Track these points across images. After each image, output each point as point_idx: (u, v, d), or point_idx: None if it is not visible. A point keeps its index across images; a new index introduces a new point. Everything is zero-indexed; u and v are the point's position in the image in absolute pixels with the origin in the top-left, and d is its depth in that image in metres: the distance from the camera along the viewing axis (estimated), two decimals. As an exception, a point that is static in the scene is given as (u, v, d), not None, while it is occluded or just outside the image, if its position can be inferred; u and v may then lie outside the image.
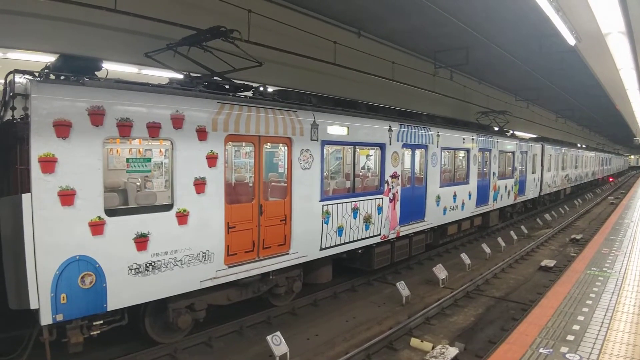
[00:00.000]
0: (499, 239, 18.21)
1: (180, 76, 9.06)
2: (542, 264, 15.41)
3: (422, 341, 8.93)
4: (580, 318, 7.48)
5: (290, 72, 14.23)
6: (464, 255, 15.14)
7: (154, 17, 9.70)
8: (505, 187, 21.62)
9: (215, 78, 9.42)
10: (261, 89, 10.07)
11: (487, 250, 16.61)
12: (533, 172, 25.68)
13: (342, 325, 10.07)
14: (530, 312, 7.89)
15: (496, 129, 22.64)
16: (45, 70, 7.00)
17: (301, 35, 13.43)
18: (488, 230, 21.13)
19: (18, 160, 7.05)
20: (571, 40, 11.51)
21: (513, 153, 22.31)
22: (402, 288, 11.58)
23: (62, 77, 6.85)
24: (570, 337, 6.67)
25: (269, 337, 8.15)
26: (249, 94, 9.76)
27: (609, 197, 40.13)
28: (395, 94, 18.77)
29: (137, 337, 8.45)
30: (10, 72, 6.96)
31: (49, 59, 8.51)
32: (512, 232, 19.87)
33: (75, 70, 7.02)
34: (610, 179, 63.48)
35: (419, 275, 14.08)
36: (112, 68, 8.37)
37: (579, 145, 42.66)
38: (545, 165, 27.89)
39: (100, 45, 10.03)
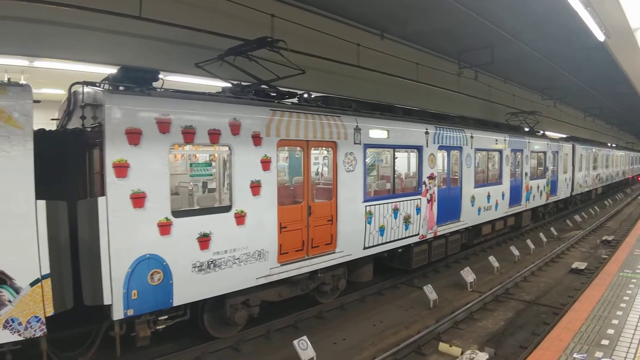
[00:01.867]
0: (528, 241, 17.89)
1: (227, 84, 9.71)
2: (573, 266, 15.08)
3: (450, 346, 8.80)
4: (615, 322, 7.29)
5: (314, 75, 14.19)
6: (492, 258, 14.92)
7: (180, 24, 9.80)
8: (538, 187, 21.70)
9: (262, 86, 9.93)
10: (305, 95, 10.70)
11: (516, 252, 16.33)
12: (564, 172, 25.68)
13: (369, 329, 9.99)
14: (564, 317, 7.72)
15: (526, 129, 22.64)
16: (106, 81, 7.53)
17: (324, 38, 13.40)
18: (519, 231, 21.00)
19: (88, 166, 7.51)
20: (600, 36, 11.28)
21: (544, 153, 22.46)
22: (430, 292, 11.45)
23: (135, 89, 7.42)
24: (604, 342, 6.49)
25: (295, 342, 8.14)
26: (291, 100, 10.30)
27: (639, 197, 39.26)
28: (420, 95, 18.61)
29: (191, 333, 8.74)
30: (74, 83, 7.54)
31: (82, 67, 9.33)
32: (541, 234, 19.47)
33: (135, 80, 7.52)
34: (640, 178, 61.93)
35: (447, 278, 13.91)
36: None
37: (609, 144, 42.46)
38: (577, 165, 27.82)
39: (151, 56, 10.53)
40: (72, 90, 7.76)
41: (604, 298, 8.52)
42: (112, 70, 8.38)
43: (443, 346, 8.86)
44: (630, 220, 25.89)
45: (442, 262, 15.14)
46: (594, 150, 32.55)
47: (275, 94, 9.98)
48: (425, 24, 15.66)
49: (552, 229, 21.30)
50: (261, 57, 9.67)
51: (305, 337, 8.29)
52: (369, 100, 13.81)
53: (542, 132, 25.24)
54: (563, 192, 25.82)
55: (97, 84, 7.44)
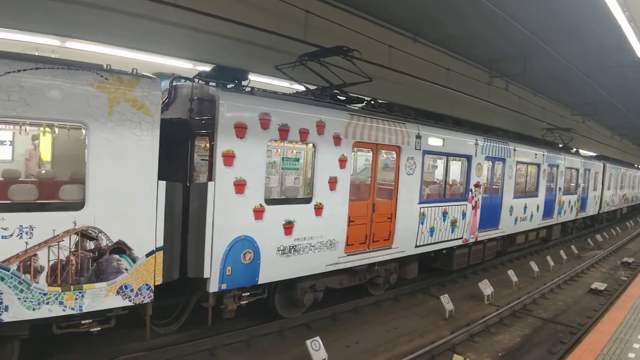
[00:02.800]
0: (548, 258, 17.64)
1: (301, 87, 10.87)
2: (593, 286, 14.80)
3: (465, 358, 8.61)
4: (636, 346, 7.13)
5: (343, 74, 14.13)
6: (511, 272, 14.72)
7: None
8: (569, 202, 22.37)
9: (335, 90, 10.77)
10: (372, 102, 11.53)
11: (535, 268, 16.11)
12: (594, 190, 26.29)
13: (383, 335, 9.89)
14: (586, 338, 7.54)
15: (560, 145, 23.30)
16: (197, 76, 8.45)
17: (356, 38, 13.28)
18: (549, 244, 21.61)
19: (188, 153, 8.70)
20: (640, 52, 11.04)
21: (577, 170, 23.12)
22: (446, 302, 11.31)
23: (244, 88, 8.50)
24: (627, 367, 6.32)
25: (308, 342, 8.07)
26: (359, 104, 11.21)
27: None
28: (450, 101, 18.38)
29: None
30: (174, 77, 8.71)
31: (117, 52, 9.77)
32: (561, 252, 19.19)
33: (227, 79, 8.49)
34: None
35: (464, 289, 13.73)
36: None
37: (636, 165, 43.05)
38: (606, 184, 28.36)
39: (233, 55, 11.49)
40: (174, 83, 8.86)
41: (626, 321, 8.33)
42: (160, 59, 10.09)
43: (458, 358, 8.67)
44: (652, 243, 25.43)
45: (480, 265, 15.96)
46: (622, 170, 33.04)
47: (344, 98, 10.89)
48: (458, 28, 15.46)
49: (572, 247, 21.00)
50: (330, 63, 10.44)
51: (318, 338, 8.22)
52: (423, 108, 14.40)
53: (575, 149, 25.63)
54: (592, 209, 26.36)
55: (193, 79, 8.38)
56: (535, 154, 18.31)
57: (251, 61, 11.35)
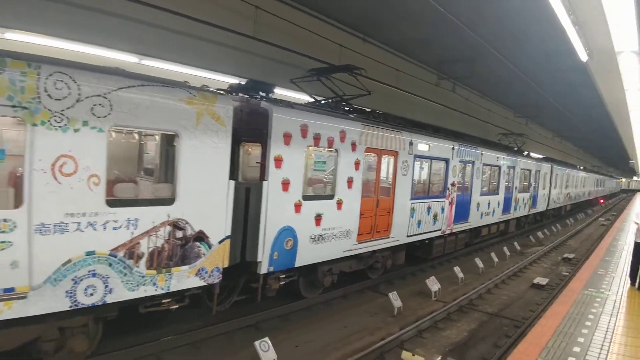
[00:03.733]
0: (492, 254, 18.08)
1: (310, 99, 12.41)
2: (535, 281, 15.28)
3: (414, 355, 8.68)
4: (580, 340, 7.30)
5: (296, 72, 14.02)
6: (457, 269, 14.98)
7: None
8: (523, 199, 25.07)
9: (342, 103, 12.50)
10: (370, 112, 13.48)
11: (480, 265, 16.45)
12: (543, 189, 29.19)
13: (333, 334, 9.84)
14: (530, 331, 7.69)
15: (515, 148, 25.87)
16: (228, 89, 9.90)
17: (307, 36, 13.23)
18: (506, 236, 24.13)
19: (237, 157, 10.19)
20: (584, 56, 11.38)
21: (530, 171, 25.80)
22: (395, 299, 11.37)
23: (287, 103, 10.14)
24: (571, 359, 6.46)
25: (256, 343, 7.93)
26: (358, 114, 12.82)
27: (600, 219, 40.19)
28: (400, 102, 18.57)
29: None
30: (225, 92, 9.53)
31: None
32: (505, 248, 19.74)
33: (256, 91, 10.03)
34: (601, 201, 63.81)
35: (412, 286, 13.85)
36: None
37: (578, 166, 47.05)
38: (553, 183, 31.37)
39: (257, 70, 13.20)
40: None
41: (569, 315, 8.55)
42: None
43: (406, 355, 8.73)
44: (591, 240, 26.46)
45: (451, 255, 18.09)
46: (567, 171, 36.31)
47: (349, 109, 12.65)
48: (408, 30, 15.62)
49: (515, 243, 21.62)
50: (336, 78, 12.32)
51: (267, 339, 8.09)
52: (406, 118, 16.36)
53: (527, 152, 28.25)
54: (541, 206, 29.39)
55: (231, 92, 9.72)
56: (497, 157, 20.61)
57: (272, 76, 13.04)
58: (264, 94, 10.11)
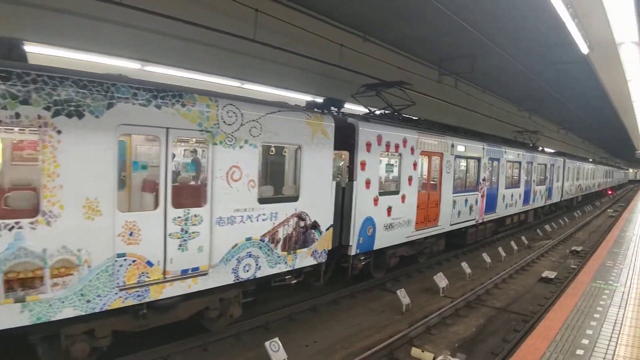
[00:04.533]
0: (500, 249, 18.06)
1: (365, 110, 14.42)
2: (543, 275, 15.25)
3: (423, 351, 8.72)
4: (589, 332, 7.28)
5: (295, 73, 14.06)
6: (464, 264, 14.98)
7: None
8: (540, 191, 27.26)
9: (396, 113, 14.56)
10: (415, 119, 15.56)
11: (488, 259, 16.45)
12: (557, 181, 31.40)
13: (341, 332, 9.88)
14: (539, 325, 7.69)
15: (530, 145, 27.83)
16: (307, 105, 11.86)
17: (307, 37, 13.25)
18: (525, 225, 26.30)
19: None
20: (584, 49, 11.36)
21: (545, 165, 27.99)
22: (403, 296, 11.39)
23: (370, 117, 13.04)
24: (579, 352, 6.46)
25: (267, 343, 7.97)
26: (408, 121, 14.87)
27: (608, 210, 40.01)
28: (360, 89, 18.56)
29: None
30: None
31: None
32: (512, 243, 19.71)
33: (328, 107, 11.94)
34: (609, 192, 63.50)
35: (419, 283, 13.88)
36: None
37: (589, 159, 49.77)
38: (565, 176, 33.60)
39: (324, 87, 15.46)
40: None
41: (578, 307, 8.52)
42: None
43: (415, 351, 8.77)
44: (599, 232, 26.33)
45: (481, 242, 20.15)
46: (577, 164, 38.58)
47: (400, 118, 14.53)
48: (408, 28, 15.60)
49: (522, 237, 21.57)
50: (386, 92, 14.10)
51: (277, 339, 8.13)
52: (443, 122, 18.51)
53: (541, 147, 30.71)
54: (556, 197, 31.52)
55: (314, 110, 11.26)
56: (518, 154, 22.88)
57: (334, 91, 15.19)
58: (335, 109, 12.08)
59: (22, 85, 5.95)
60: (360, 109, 15.02)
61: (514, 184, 22.78)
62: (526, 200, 24.72)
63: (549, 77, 21.83)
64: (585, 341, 6.87)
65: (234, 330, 9.33)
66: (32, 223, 6.13)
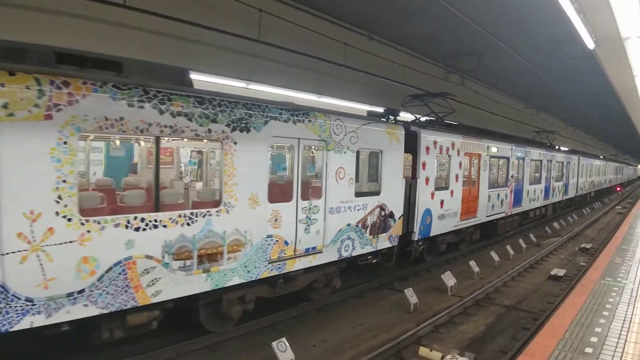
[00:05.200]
0: (508, 247, 17.97)
1: (411, 116, 15.94)
2: (552, 273, 15.17)
3: (431, 350, 8.66)
4: (598, 330, 7.22)
5: (299, 73, 14.05)
6: (472, 263, 14.91)
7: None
8: (558, 187, 29.64)
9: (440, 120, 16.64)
10: (456, 124, 17.93)
11: (496, 258, 16.37)
12: (572, 178, 33.47)
13: (349, 332, 9.86)
14: (548, 323, 7.63)
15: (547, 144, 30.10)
16: (368, 113, 14.04)
17: (311, 36, 13.25)
18: (544, 219, 28.21)
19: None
20: (590, 44, 11.29)
21: (562, 163, 30.27)
22: (410, 295, 11.36)
23: (427, 125, 15.44)
24: (588, 350, 6.41)
25: (274, 344, 7.94)
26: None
27: (617, 207, 39.75)
28: (352, 85, 18.49)
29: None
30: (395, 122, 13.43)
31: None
32: (520, 240, 19.61)
33: (387, 115, 13.97)
34: (618, 189, 63.08)
35: (427, 282, 13.83)
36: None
37: (600, 156, 52.85)
38: (580, 173, 35.71)
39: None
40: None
41: (587, 305, 8.46)
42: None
43: (423, 350, 8.72)
44: (608, 229, 26.15)
45: (509, 232, 22.35)
46: (590, 161, 40.66)
47: (441, 123, 16.55)
48: (413, 26, 15.56)
49: (531, 235, 21.47)
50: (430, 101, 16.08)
51: (284, 339, 8.10)
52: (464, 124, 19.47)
53: (558, 146, 33.10)
54: (571, 193, 33.65)
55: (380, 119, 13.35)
56: (540, 153, 25.29)
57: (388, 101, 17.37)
58: (393, 117, 13.98)
59: (212, 108, 7.98)
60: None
61: (536, 180, 25.11)
62: (546, 195, 27.07)
63: (555, 73, 21.71)
64: (594, 339, 6.82)
65: (242, 331, 9.34)
66: (217, 211, 8.16)
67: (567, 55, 17.47)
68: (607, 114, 35.65)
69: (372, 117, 12.68)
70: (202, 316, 8.70)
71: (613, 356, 6.26)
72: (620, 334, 7.05)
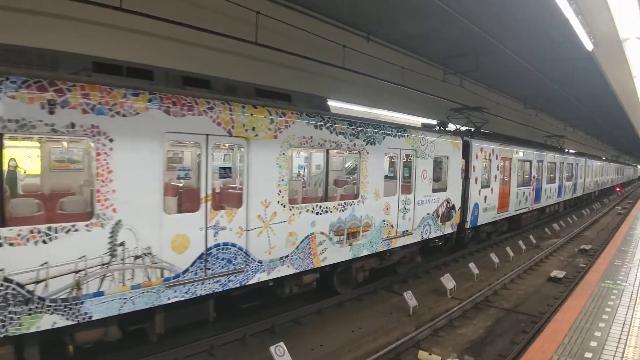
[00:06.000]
0: (507, 249, 17.96)
1: (453, 126, 18.43)
2: (552, 274, 15.14)
3: (430, 354, 8.64)
4: (597, 334, 7.17)
5: (299, 75, 13.99)
6: (472, 265, 14.88)
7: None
8: (569, 186, 32.83)
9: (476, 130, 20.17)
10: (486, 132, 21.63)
11: (496, 260, 16.34)
12: (580, 178, 36.47)
13: (347, 335, 9.82)
14: (547, 327, 7.59)
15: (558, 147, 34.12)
16: (422, 125, 16.78)
17: (310, 39, 13.20)
18: (557, 215, 31.50)
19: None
20: (589, 45, 11.25)
21: (572, 164, 33.39)
22: (410, 298, 11.31)
23: (475, 134, 18.94)
24: (588, 355, 6.36)
25: (272, 348, 7.91)
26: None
27: (617, 207, 39.72)
28: (404, 100, 18.52)
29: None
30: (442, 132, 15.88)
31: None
32: (520, 242, 19.58)
33: (437, 126, 17.15)
34: (617, 189, 63.04)
35: (427, 284, 13.79)
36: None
37: (603, 157, 55.88)
38: (586, 173, 38.91)
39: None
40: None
41: (586, 309, 8.41)
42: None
43: (422, 354, 8.69)
44: (607, 230, 26.11)
45: (529, 226, 25.50)
46: (595, 162, 44.23)
47: (480, 133, 20.05)
48: (411, 27, 15.52)
49: (530, 236, 21.43)
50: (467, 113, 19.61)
51: (282, 343, 8.06)
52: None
53: (567, 149, 36.90)
54: (579, 192, 36.92)
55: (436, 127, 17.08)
56: (554, 156, 28.42)
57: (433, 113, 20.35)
58: (443, 127, 16.97)
59: (356, 128, 11.18)
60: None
61: (552, 180, 28.32)
62: (560, 194, 30.46)
63: (554, 74, 21.66)
64: (593, 343, 6.77)
65: (240, 335, 9.29)
66: (357, 202, 11.35)
67: (566, 56, 17.44)
68: (607, 115, 35.62)
69: (441, 130, 16.05)
70: (336, 281, 11.80)
71: (613, 361, 6.22)
72: (620, 338, 7.00)
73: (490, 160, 18.60)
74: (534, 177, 24.28)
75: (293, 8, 13.53)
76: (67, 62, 7.10)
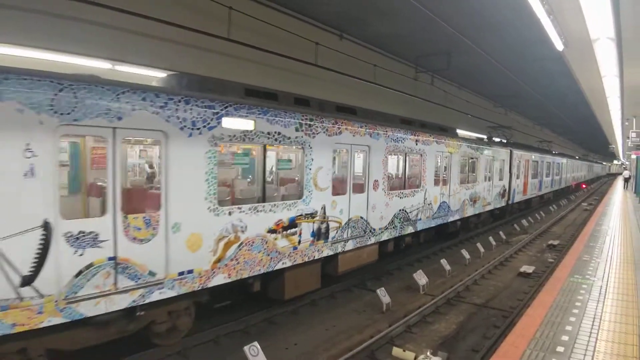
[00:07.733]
0: (478, 245, 18.14)
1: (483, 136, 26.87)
2: (521, 270, 15.36)
3: (404, 350, 8.65)
4: (568, 328, 7.26)
5: (271, 72, 13.89)
6: (443, 261, 14.99)
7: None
8: (557, 180, 41.18)
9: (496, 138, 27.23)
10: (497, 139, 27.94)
11: (467, 256, 16.48)
12: (564, 173, 45.18)
13: (321, 334, 9.76)
14: (518, 322, 7.66)
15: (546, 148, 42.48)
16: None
17: (283, 35, 13.11)
18: (542, 204, 37.44)
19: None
20: (559, 45, 11.40)
21: (560, 163, 41.89)
22: (383, 295, 11.31)
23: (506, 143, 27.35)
24: (560, 349, 6.43)
25: (246, 348, 7.78)
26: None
27: (583, 204, 40.62)
28: (377, 97, 18.55)
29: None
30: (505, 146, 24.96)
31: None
32: (490, 238, 19.82)
33: (487, 138, 26.32)
34: (583, 186, 64.54)
35: (399, 281, 13.83)
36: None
37: (576, 157, 64.14)
38: (565, 169, 45.89)
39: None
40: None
41: (556, 303, 8.52)
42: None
43: (397, 351, 8.70)
44: (575, 225, 26.69)
45: (518, 213, 30.56)
46: (573, 161, 52.84)
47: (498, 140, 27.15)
48: (384, 26, 15.56)
49: (500, 232, 21.74)
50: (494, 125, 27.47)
51: (256, 343, 7.94)
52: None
53: (554, 151, 43.72)
54: (563, 184, 45.50)
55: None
56: (540, 155, 33.75)
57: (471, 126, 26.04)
58: (490, 138, 25.52)
59: (474, 145, 20.08)
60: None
61: (547, 175, 35.99)
62: (552, 185, 38.81)
63: (525, 74, 22.05)
64: (565, 337, 6.85)
65: (213, 335, 9.16)
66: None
67: (537, 56, 17.73)
68: (575, 114, 36.48)
69: (501, 143, 24.66)
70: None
71: (585, 354, 6.29)
72: (591, 332, 7.10)
73: (520, 162, 26.94)
74: (539, 173, 32.80)
75: (266, 5, 13.41)
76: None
